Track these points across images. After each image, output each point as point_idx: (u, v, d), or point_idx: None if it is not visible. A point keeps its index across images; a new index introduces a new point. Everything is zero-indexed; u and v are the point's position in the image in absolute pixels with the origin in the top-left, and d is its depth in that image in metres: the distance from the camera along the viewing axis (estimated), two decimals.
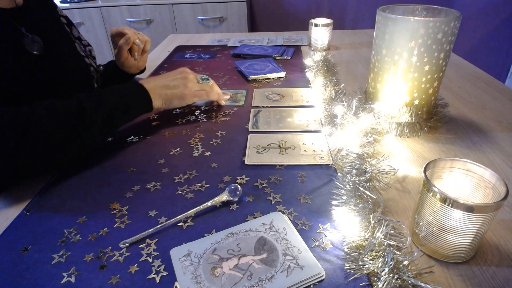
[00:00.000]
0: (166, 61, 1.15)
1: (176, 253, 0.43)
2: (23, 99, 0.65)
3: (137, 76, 0.98)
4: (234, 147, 0.66)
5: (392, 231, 0.43)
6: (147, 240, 0.46)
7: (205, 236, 0.46)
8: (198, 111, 0.80)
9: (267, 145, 0.65)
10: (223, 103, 0.83)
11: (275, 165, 0.60)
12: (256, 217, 0.49)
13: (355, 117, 0.65)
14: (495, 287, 0.39)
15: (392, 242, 0.41)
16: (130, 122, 0.68)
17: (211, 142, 0.67)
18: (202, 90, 0.76)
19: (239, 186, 0.52)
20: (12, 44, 0.65)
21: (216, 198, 0.51)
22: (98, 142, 0.65)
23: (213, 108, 0.81)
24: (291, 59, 1.12)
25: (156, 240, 0.46)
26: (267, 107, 0.81)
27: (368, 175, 0.51)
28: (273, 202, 0.52)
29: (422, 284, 0.36)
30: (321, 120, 0.74)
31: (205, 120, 0.76)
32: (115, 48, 0.88)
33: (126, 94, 0.65)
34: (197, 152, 0.64)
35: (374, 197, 0.48)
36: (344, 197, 0.49)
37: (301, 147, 0.64)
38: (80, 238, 0.46)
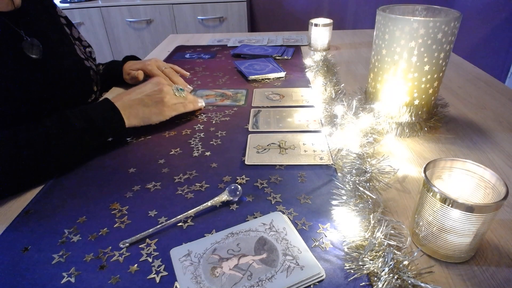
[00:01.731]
0: (166, 61, 1.14)
1: (176, 253, 0.43)
2: (22, 102, 0.65)
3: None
4: (234, 147, 0.66)
5: (392, 231, 0.43)
6: (147, 240, 0.46)
7: (205, 236, 0.46)
8: (198, 111, 0.80)
9: (267, 145, 0.65)
10: (201, 106, 0.79)
11: (275, 165, 0.60)
12: (256, 217, 0.49)
13: (355, 117, 0.65)
14: (495, 287, 0.39)
15: (392, 242, 0.41)
16: (104, 142, 0.65)
17: (211, 142, 0.67)
18: (179, 103, 0.72)
19: (239, 186, 0.52)
20: (11, 48, 0.65)
21: (216, 198, 0.51)
22: (72, 164, 0.61)
23: (213, 108, 0.81)
24: (291, 59, 1.12)
25: (156, 240, 0.46)
26: (267, 107, 0.81)
27: (368, 175, 0.51)
28: (273, 202, 0.52)
29: (422, 284, 0.36)
30: (321, 120, 0.74)
31: (205, 120, 0.76)
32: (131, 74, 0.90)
33: (96, 117, 0.60)
34: (197, 152, 0.64)
35: (374, 197, 0.48)
36: (344, 197, 0.49)
37: (301, 147, 0.64)
38: (80, 238, 0.46)
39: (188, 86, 0.88)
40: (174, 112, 0.72)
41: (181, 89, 0.74)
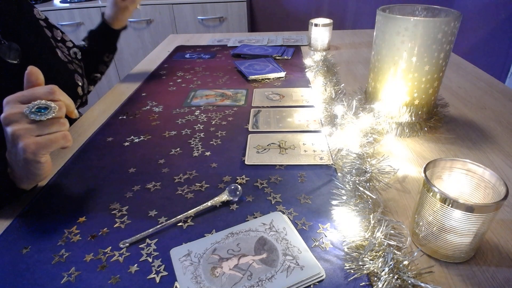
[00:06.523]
0: (166, 61, 1.15)
1: (176, 253, 0.43)
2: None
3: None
4: (234, 147, 0.66)
5: (392, 231, 0.43)
6: (147, 240, 0.46)
7: (205, 236, 0.46)
8: (198, 111, 0.80)
9: (267, 145, 0.65)
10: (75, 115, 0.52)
11: (275, 165, 0.60)
12: (256, 217, 0.49)
13: (355, 117, 0.65)
14: (495, 287, 0.39)
15: (392, 242, 0.41)
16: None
17: (211, 142, 0.67)
18: (46, 135, 0.44)
19: (239, 186, 0.52)
20: None
21: (216, 198, 0.51)
22: None
23: (213, 108, 0.81)
24: (291, 59, 1.12)
25: (156, 240, 0.46)
26: (267, 107, 0.81)
27: (368, 175, 0.51)
28: (273, 202, 0.52)
29: (422, 284, 0.36)
30: (321, 120, 0.74)
31: (205, 120, 0.76)
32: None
33: None
34: (197, 152, 0.64)
35: (374, 197, 0.48)
36: (344, 197, 0.49)
37: (301, 147, 0.64)
38: (80, 238, 0.46)
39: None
40: (43, 151, 0.44)
41: (43, 109, 0.44)
